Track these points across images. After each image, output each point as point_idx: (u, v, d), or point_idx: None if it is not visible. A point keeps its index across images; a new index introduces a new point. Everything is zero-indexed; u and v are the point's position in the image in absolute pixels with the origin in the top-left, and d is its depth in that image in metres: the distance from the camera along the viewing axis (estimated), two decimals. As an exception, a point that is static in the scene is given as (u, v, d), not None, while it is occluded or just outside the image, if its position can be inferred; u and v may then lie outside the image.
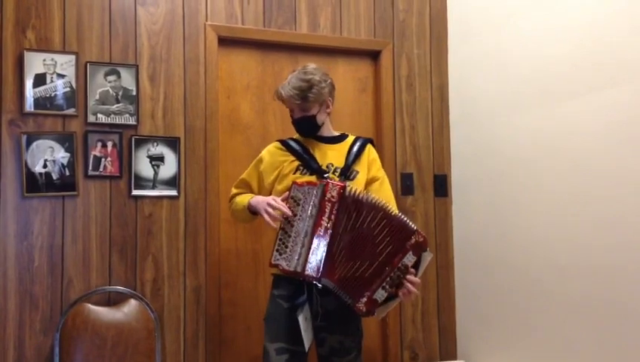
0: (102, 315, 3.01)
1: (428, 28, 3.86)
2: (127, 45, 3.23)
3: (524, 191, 3.13)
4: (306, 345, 2.44)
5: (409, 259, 2.35)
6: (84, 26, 3.16)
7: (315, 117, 2.62)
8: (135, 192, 3.18)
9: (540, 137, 3.02)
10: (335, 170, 2.60)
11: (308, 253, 2.38)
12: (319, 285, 2.41)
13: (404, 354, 3.64)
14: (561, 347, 2.88)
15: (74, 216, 3.08)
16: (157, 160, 3.22)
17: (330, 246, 2.38)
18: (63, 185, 3.05)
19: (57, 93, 3.07)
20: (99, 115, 3.13)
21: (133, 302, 3.08)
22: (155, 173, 3.22)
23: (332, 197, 2.39)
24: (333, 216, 2.39)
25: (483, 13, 3.49)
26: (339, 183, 2.42)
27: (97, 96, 3.14)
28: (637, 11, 2.51)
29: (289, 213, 2.40)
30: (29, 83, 3.02)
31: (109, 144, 3.14)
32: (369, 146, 2.74)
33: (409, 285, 2.35)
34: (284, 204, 2.42)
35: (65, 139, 3.06)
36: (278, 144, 2.73)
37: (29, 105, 3.02)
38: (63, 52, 3.10)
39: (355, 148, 2.67)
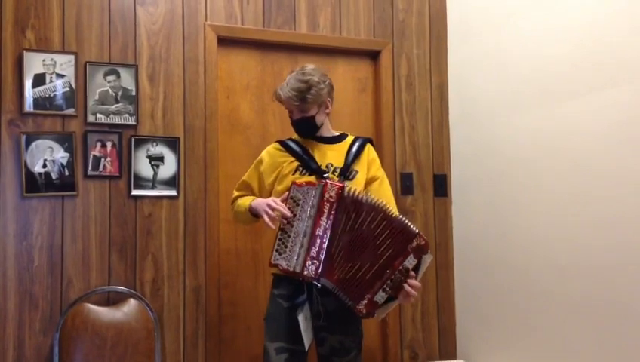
0: (101, 315, 3.01)
1: (427, 28, 3.86)
2: (127, 45, 3.23)
3: (524, 191, 3.13)
4: (306, 345, 2.44)
5: (410, 261, 2.35)
6: (84, 25, 3.15)
7: (314, 118, 2.62)
8: (135, 192, 3.17)
9: (540, 137, 3.02)
10: (334, 170, 2.60)
11: (307, 254, 2.38)
12: (318, 285, 2.42)
13: (403, 353, 3.64)
14: (561, 347, 2.88)
15: (73, 216, 3.08)
16: (156, 160, 3.22)
17: (329, 246, 2.38)
18: (62, 185, 3.05)
19: (57, 93, 3.07)
20: (98, 115, 3.13)
21: (132, 302, 3.08)
22: (155, 173, 3.21)
23: (330, 197, 2.39)
24: (331, 217, 2.39)
25: (483, 13, 3.49)
26: (337, 183, 2.42)
27: (97, 96, 3.14)
28: (637, 11, 2.50)
29: (288, 214, 2.40)
30: (28, 83, 3.02)
31: (109, 144, 3.14)
32: (368, 146, 2.74)
33: (409, 288, 2.35)
34: (283, 205, 2.42)
35: (64, 139, 3.06)
36: (277, 145, 2.73)
37: (29, 105, 3.02)
38: (63, 52, 3.10)
39: (355, 148, 2.67)
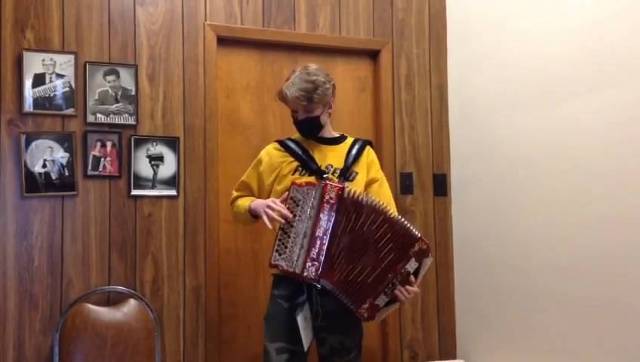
0: (101, 315, 3.01)
1: (427, 27, 3.86)
2: (127, 45, 3.22)
3: (524, 191, 3.13)
4: (305, 345, 2.44)
5: (411, 265, 2.35)
6: (83, 25, 3.15)
7: (318, 118, 2.61)
8: (134, 192, 3.17)
9: (540, 137, 3.02)
10: (334, 171, 2.60)
11: (307, 255, 2.38)
12: (318, 286, 2.42)
13: (403, 353, 3.64)
14: (561, 347, 2.88)
15: (73, 215, 3.08)
16: (156, 160, 3.22)
17: (329, 247, 2.38)
18: (62, 185, 3.05)
19: (56, 93, 3.06)
20: (98, 115, 3.13)
21: (132, 302, 3.08)
22: (155, 173, 3.21)
23: (331, 198, 2.39)
24: (331, 218, 2.38)
25: (483, 13, 3.49)
26: (337, 184, 2.42)
27: (96, 96, 3.13)
28: (637, 11, 2.50)
29: (288, 214, 2.40)
30: (28, 83, 3.02)
31: (109, 144, 3.14)
32: (368, 148, 2.74)
33: (406, 293, 2.37)
34: (283, 206, 2.42)
35: (64, 139, 3.06)
36: (276, 145, 2.72)
37: (28, 105, 3.02)
38: (62, 52, 3.09)
39: (355, 150, 2.67)
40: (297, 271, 2.38)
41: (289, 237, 2.41)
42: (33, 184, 3.00)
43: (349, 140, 2.73)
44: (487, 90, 3.45)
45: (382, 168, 2.78)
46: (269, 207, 2.43)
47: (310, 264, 2.37)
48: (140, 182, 3.19)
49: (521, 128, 3.17)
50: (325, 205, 2.39)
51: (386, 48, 3.73)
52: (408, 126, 3.76)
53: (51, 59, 3.07)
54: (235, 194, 2.80)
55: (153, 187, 3.21)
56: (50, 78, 3.06)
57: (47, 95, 3.05)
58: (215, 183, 3.32)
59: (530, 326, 3.07)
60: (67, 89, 3.08)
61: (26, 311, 2.97)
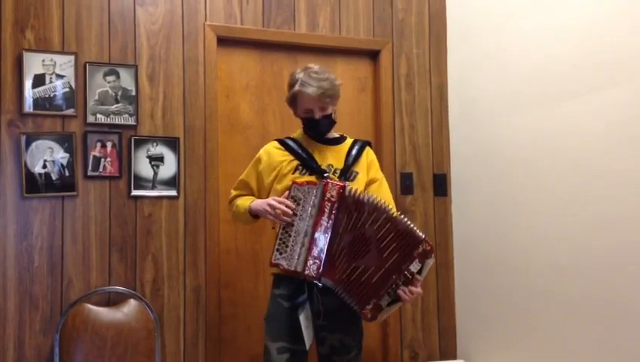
0: (102, 315, 3.01)
1: (427, 27, 3.86)
2: (127, 45, 3.22)
3: (524, 191, 3.13)
4: (307, 344, 2.45)
5: (415, 266, 2.35)
6: (83, 26, 3.15)
7: (331, 116, 2.64)
8: (135, 192, 3.17)
9: (540, 137, 3.02)
10: (335, 171, 2.60)
11: (308, 253, 2.39)
12: (319, 284, 2.42)
13: (404, 353, 3.64)
14: (561, 347, 2.88)
15: (73, 216, 3.08)
16: (156, 160, 3.22)
17: (330, 246, 2.39)
18: (62, 185, 3.05)
19: (56, 93, 3.06)
20: (98, 116, 3.13)
21: (132, 302, 3.08)
22: (155, 173, 3.21)
23: (332, 196, 2.39)
24: (332, 216, 2.39)
25: (483, 13, 3.49)
26: (338, 183, 2.43)
27: (96, 97, 3.13)
28: (637, 11, 2.50)
29: (291, 205, 2.40)
30: (28, 83, 3.02)
31: (109, 144, 3.14)
32: (367, 148, 2.75)
33: (410, 294, 2.37)
34: (285, 200, 2.42)
35: (64, 140, 3.06)
36: (276, 143, 2.72)
37: (28, 105, 3.02)
38: (62, 52, 3.09)
39: (355, 150, 2.67)
40: (298, 269, 2.39)
41: (290, 236, 2.41)
42: (33, 184, 3.00)
43: (349, 141, 2.74)
44: (487, 90, 3.45)
45: (382, 168, 2.79)
46: (270, 205, 2.44)
47: (311, 262, 2.38)
48: (140, 182, 3.19)
49: (521, 128, 3.17)
50: (327, 203, 2.39)
51: (386, 48, 3.73)
52: (408, 126, 3.76)
53: (51, 60, 3.07)
54: (233, 193, 2.80)
55: (153, 187, 3.21)
56: (50, 78, 3.06)
57: (47, 95, 3.05)
58: (215, 183, 3.33)
59: (530, 326, 3.07)
60: (67, 89, 3.08)
61: (26, 311, 2.97)
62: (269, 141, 2.80)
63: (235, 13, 3.44)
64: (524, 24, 3.15)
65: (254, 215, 2.60)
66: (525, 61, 3.14)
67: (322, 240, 2.39)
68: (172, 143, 3.25)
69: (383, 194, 2.64)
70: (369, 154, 2.74)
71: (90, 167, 3.10)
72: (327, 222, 2.39)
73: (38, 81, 3.04)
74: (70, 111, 3.08)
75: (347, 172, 2.61)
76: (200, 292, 3.26)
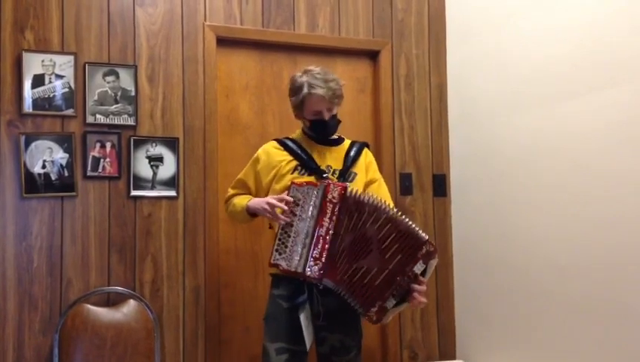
0: (101, 316, 3.01)
1: (426, 27, 3.86)
2: (126, 46, 3.22)
3: (524, 191, 3.13)
4: (307, 344, 2.45)
5: (419, 267, 2.34)
6: (83, 26, 3.15)
7: (336, 116, 2.65)
8: (134, 193, 3.17)
9: (540, 137, 3.02)
10: (334, 172, 2.60)
11: (309, 254, 2.39)
12: (320, 286, 2.42)
13: (403, 353, 3.64)
14: (561, 347, 2.88)
15: (73, 216, 3.07)
16: (156, 160, 3.22)
17: (331, 246, 2.38)
18: (61, 185, 3.05)
19: (56, 93, 3.06)
20: (97, 116, 3.13)
21: (132, 303, 3.08)
22: (154, 174, 3.21)
23: (333, 197, 2.39)
24: (334, 217, 2.39)
25: (483, 13, 3.49)
26: (340, 184, 2.43)
27: (96, 97, 3.13)
28: (637, 11, 2.50)
29: (289, 199, 2.40)
30: (27, 84, 3.02)
31: (108, 145, 3.14)
32: (366, 150, 2.76)
33: (416, 294, 2.36)
34: (285, 197, 2.42)
35: (64, 140, 3.06)
36: (275, 143, 2.72)
37: (28, 105, 3.01)
38: (62, 53, 3.09)
39: (353, 152, 2.69)
40: (299, 270, 2.39)
41: (289, 236, 2.41)
42: (33, 185, 3.00)
43: (347, 142, 2.75)
44: (487, 90, 3.44)
45: (381, 169, 2.80)
46: (269, 204, 2.43)
47: (313, 263, 2.38)
48: (139, 182, 3.18)
49: (521, 128, 3.16)
50: (328, 204, 2.39)
51: (385, 49, 3.73)
52: (408, 126, 3.75)
53: (51, 60, 3.06)
54: (230, 191, 2.80)
55: (153, 188, 3.20)
56: (50, 78, 3.06)
57: (46, 96, 3.05)
58: (215, 183, 3.32)
59: (530, 326, 3.07)
60: (67, 90, 3.08)
61: (25, 311, 2.97)
62: (269, 141, 2.80)
63: (234, 14, 3.44)
64: (524, 24, 3.15)
65: (252, 213, 2.60)
66: (525, 61, 3.14)
67: (324, 241, 2.38)
68: (171, 143, 3.25)
69: (383, 195, 2.64)
70: (367, 155, 2.75)
71: (89, 168, 3.10)
72: (329, 223, 2.39)
73: (38, 81, 3.04)
74: (69, 112, 3.08)
75: (346, 173, 2.61)
76: (199, 293, 3.26)
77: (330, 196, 2.39)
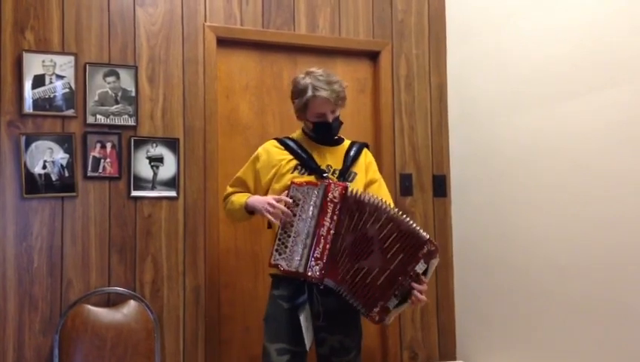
0: (101, 316, 3.01)
1: (426, 28, 3.86)
2: (126, 46, 3.22)
3: (524, 191, 3.13)
4: (307, 345, 2.44)
5: (420, 267, 2.34)
6: (83, 26, 3.15)
7: (339, 118, 2.65)
8: (134, 193, 3.17)
9: (540, 137, 3.02)
10: (334, 172, 2.60)
11: (310, 254, 2.39)
12: (321, 286, 2.41)
13: (403, 353, 3.64)
14: (561, 346, 2.88)
15: (73, 217, 3.07)
16: (156, 161, 3.22)
17: (332, 246, 2.38)
18: (62, 186, 3.05)
19: (56, 94, 3.06)
20: (98, 116, 3.13)
21: (132, 303, 3.08)
22: (155, 174, 3.21)
23: (334, 197, 2.39)
24: (335, 217, 2.39)
25: (483, 13, 3.49)
26: (341, 183, 2.43)
27: (96, 97, 3.13)
28: (637, 11, 2.51)
29: (288, 210, 2.40)
30: (27, 84, 3.02)
31: (108, 145, 3.14)
32: (365, 150, 2.76)
33: (417, 293, 2.35)
34: (286, 199, 2.42)
35: (64, 140, 3.06)
36: (275, 142, 2.72)
37: (28, 106, 3.01)
38: (62, 53, 3.09)
39: (353, 152, 2.69)
40: (301, 270, 2.39)
41: (289, 236, 2.41)
42: (33, 185, 3.00)
43: (347, 142, 2.76)
44: (487, 90, 3.45)
45: (381, 169, 2.80)
46: (269, 204, 2.43)
47: (314, 263, 2.38)
48: (139, 183, 3.18)
49: (521, 128, 3.17)
50: (329, 204, 2.39)
51: (385, 49, 3.73)
52: (408, 127, 3.75)
53: (51, 61, 3.06)
54: (229, 190, 2.80)
55: (153, 188, 3.21)
56: (50, 79, 3.06)
57: (47, 96, 3.05)
58: (215, 184, 3.32)
59: (530, 326, 3.07)
60: (67, 90, 3.08)
61: (25, 312, 2.97)
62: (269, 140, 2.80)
63: (234, 14, 3.44)
64: (524, 24, 3.15)
65: (250, 211, 2.60)
66: (525, 61, 3.14)
67: (325, 241, 2.38)
68: (172, 144, 3.25)
69: (383, 196, 2.64)
70: (367, 155, 2.75)
71: (89, 168, 3.10)
72: (330, 223, 2.39)
73: (38, 81, 3.04)
74: (70, 112, 3.08)
75: (346, 173, 2.61)
76: (199, 293, 3.26)
77: (331, 196, 2.39)
